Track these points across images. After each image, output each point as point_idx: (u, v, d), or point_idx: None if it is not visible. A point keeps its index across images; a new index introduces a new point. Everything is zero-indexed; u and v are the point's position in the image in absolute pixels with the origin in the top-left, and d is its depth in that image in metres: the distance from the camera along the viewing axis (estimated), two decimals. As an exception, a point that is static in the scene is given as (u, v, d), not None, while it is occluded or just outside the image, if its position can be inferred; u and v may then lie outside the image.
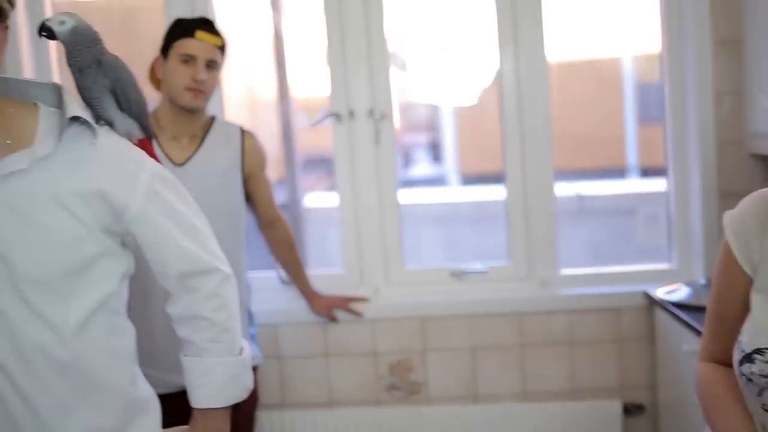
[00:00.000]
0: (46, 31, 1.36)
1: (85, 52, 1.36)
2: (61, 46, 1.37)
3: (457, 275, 2.80)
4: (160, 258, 1.37)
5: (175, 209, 1.36)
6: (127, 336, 1.41)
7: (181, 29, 2.16)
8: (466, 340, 2.74)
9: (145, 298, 2.06)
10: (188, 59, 2.14)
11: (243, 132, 2.32)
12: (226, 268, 1.42)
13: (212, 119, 2.30)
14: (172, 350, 1.69)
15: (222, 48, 2.20)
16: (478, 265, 2.81)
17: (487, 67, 3.86)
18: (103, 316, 1.34)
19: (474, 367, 2.75)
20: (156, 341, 2.09)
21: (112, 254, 1.34)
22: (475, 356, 2.75)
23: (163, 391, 1.81)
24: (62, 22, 1.35)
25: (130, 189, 1.31)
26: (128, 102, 1.39)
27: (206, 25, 2.18)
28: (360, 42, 2.69)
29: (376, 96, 2.72)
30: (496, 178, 2.87)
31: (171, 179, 1.38)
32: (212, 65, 2.17)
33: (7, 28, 1.30)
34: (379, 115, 2.70)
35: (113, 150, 1.34)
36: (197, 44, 2.14)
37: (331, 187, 2.90)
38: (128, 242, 1.37)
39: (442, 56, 5.01)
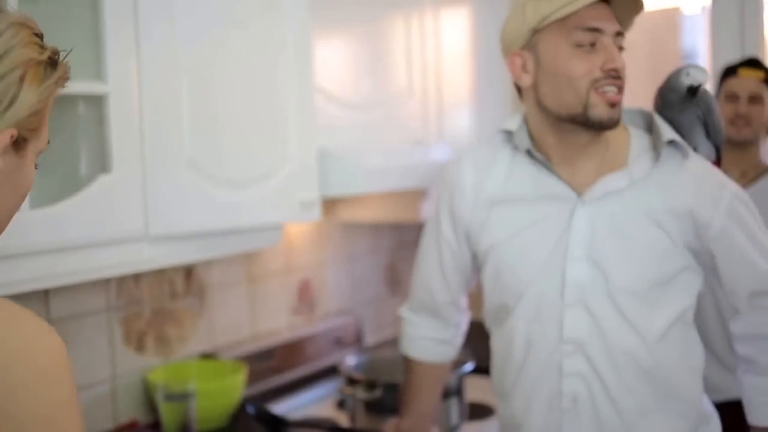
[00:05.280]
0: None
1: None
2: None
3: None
4: (734, 275, 1.41)
5: (752, 229, 1.40)
6: (698, 349, 1.47)
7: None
8: None
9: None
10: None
11: None
12: None
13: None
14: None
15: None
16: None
17: None
18: (679, 327, 1.42)
19: None
20: None
21: (692, 269, 1.42)
22: None
23: None
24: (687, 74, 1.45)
25: (712, 207, 1.38)
26: (715, 131, 1.49)
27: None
28: None
29: None
30: None
31: (748, 200, 1.43)
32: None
33: None
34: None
35: (699, 171, 1.41)
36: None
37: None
38: (703, 259, 1.43)
39: None
